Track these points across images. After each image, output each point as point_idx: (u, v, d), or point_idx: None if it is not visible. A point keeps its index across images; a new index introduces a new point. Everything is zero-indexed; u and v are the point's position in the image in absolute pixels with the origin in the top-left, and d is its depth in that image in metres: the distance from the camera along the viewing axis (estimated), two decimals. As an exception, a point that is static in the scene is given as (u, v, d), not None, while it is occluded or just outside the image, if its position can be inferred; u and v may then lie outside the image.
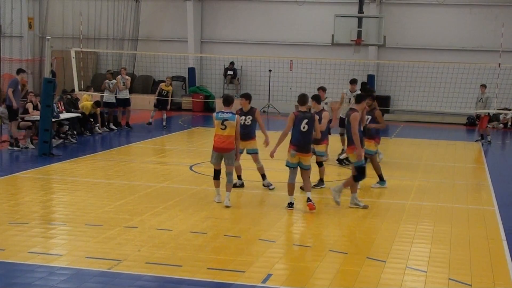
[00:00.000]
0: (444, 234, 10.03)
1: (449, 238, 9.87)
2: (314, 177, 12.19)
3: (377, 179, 13.25)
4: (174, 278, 7.57)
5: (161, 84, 22.71)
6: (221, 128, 10.95)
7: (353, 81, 16.92)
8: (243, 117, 12.28)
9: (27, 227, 9.57)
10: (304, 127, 10.70)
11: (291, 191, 11.01)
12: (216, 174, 11.23)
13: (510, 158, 20.21)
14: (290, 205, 10.96)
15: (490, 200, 12.54)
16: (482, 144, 20.78)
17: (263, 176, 12.71)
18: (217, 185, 11.27)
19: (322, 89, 15.34)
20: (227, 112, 11.02)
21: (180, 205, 11.06)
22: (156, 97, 22.28)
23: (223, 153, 11.03)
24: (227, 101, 11.18)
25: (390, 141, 21.66)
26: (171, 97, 22.91)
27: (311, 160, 11.29)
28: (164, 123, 22.43)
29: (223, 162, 11.14)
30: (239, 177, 12.66)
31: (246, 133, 12.26)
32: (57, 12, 31.37)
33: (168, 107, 22.52)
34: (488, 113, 21.51)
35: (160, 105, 22.30)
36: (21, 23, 31.68)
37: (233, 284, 7.44)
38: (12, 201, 11.14)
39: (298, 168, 10.99)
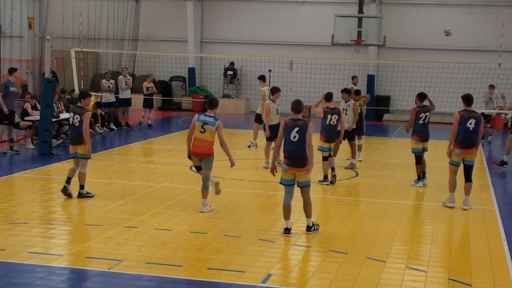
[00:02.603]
0: (444, 234, 10.04)
1: (449, 238, 9.88)
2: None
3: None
4: (174, 278, 7.57)
5: (144, 83, 22.96)
6: (200, 131, 10.52)
7: (345, 90, 15.76)
8: (71, 114, 11.63)
9: (27, 227, 9.57)
10: (294, 136, 9.36)
11: (286, 215, 9.53)
12: (198, 169, 10.93)
13: (510, 158, 20.21)
14: (287, 231, 9.49)
15: (490, 200, 12.55)
16: (482, 145, 20.77)
17: (82, 187, 11.55)
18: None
19: (276, 89, 15.29)
20: (209, 116, 10.59)
21: (180, 205, 11.07)
22: (145, 96, 22.62)
23: (200, 158, 10.69)
24: (212, 104, 10.69)
25: (390, 141, 21.68)
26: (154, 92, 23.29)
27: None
28: (149, 122, 22.72)
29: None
30: (69, 180, 11.52)
31: (76, 135, 11.51)
32: (57, 12, 31.35)
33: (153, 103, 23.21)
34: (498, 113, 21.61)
35: (147, 104, 22.61)
36: (21, 23, 31.66)
37: (233, 284, 7.44)
38: (12, 201, 11.15)
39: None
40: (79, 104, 11.75)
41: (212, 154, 10.65)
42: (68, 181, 11.45)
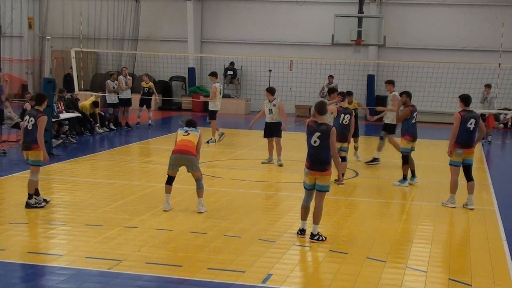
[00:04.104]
0: (444, 234, 10.04)
1: (449, 238, 9.87)
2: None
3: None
4: (174, 278, 7.57)
5: (142, 83, 22.97)
6: (184, 135, 10.67)
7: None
8: (27, 117, 10.73)
9: (27, 227, 9.57)
10: (315, 141, 9.11)
11: (303, 215, 9.40)
12: (169, 180, 10.73)
13: (510, 158, 20.22)
14: (302, 232, 9.42)
15: (490, 200, 12.55)
16: (483, 144, 20.76)
17: (37, 191, 10.79)
18: (168, 191, 10.72)
19: (270, 91, 15.65)
20: (191, 128, 10.87)
21: (180, 205, 11.07)
22: (141, 96, 22.69)
23: (183, 156, 10.48)
24: (190, 124, 10.94)
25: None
26: (153, 93, 23.08)
27: None
28: (150, 122, 22.77)
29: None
30: (36, 193, 10.78)
31: (27, 140, 10.64)
32: (57, 12, 31.36)
33: (152, 105, 23.25)
34: (491, 113, 21.63)
35: (144, 103, 22.68)
36: (21, 23, 31.67)
37: (233, 284, 7.44)
38: (12, 201, 11.14)
39: None
40: (36, 107, 10.84)
41: (194, 155, 10.60)
42: (36, 192, 10.79)
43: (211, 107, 18.92)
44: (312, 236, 9.25)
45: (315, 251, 8.91)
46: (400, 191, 13.12)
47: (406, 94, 13.61)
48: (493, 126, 21.97)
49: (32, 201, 10.65)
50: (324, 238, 9.27)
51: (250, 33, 30.19)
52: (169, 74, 29.73)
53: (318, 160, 9.12)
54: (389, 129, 15.92)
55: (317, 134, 9.11)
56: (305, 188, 9.38)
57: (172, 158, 10.64)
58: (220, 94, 19.17)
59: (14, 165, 14.63)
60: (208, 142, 18.45)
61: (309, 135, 9.19)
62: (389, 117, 15.81)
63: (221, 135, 18.95)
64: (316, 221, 9.24)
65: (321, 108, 9.21)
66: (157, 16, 30.84)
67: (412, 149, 13.60)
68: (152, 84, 23.32)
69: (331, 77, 24.58)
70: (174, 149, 10.68)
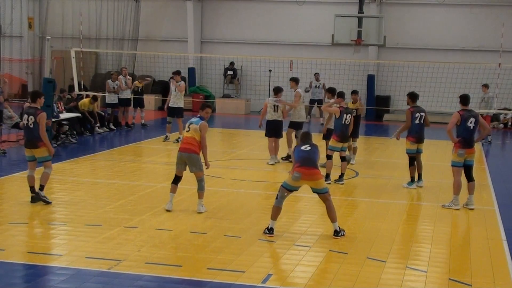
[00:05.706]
0: (444, 234, 10.03)
1: (449, 238, 9.87)
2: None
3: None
4: (174, 278, 7.57)
5: (134, 82, 23.05)
6: (186, 131, 10.68)
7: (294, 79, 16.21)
8: (25, 116, 10.90)
9: (27, 227, 9.57)
10: (306, 147, 9.56)
11: (274, 215, 9.45)
12: (175, 179, 10.72)
13: (510, 158, 20.21)
14: (269, 231, 9.40)
15: (490, 200, 12.54)
16: (482, 144, 20.76)
17: (33, 189, 10.99)
18: (173, 190, 10.68)
19: (274, 90, 15.82)
20: (196, 117, 10.77)
21: (180, 205, 11.06)
22: (135, 96, 22.79)
23: (186, 154, 10.46)
24: (204, 106, 10.95)
25: (390, 141, 21.65)
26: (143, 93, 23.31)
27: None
28: (142, 121, 22.79)
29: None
30: (33, 190, 10.96)
31: (30, 138, 10.86)
32: (57, 12, 31.34)
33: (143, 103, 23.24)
34: (489, 113, 21.60)
35: (136, 103, 22.73)
36: (21, 23, 31.65)
37: (233, 284, 7.44)
38: (12, 201, 11.14)
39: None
40: (32, 105, 11.00)
41: (197, 154, 10.55)
42: (33, 190, 10.96)
43: (178, 104, 18.84)
44: (336, 233, 9.41)
45: (315, 251, 8.90)
46: (400, 191, 13.11)
47: (408, 96, 13.41)
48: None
49: (42, 193, 10.86)
50: (344, 233, 9.47)
51: (250, 33, 30.20)
52: (169, 74, 29.60)
53: (311, 162, 9.36)
54: (295, 126, 15.74)
55: (308, 144, 9.57)
56: (286, 189, 9.40)
57: (177, 156, 10.70)
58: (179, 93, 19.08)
59: (14, 165, 14.63)
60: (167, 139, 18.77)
61: (301, 145, 9.62)
62: (295, 115, 15.76)
63: (166, 137, 19.05)
64: (333, 219, 9.43)
65: (307, 137, 9.78)
66: (157, 16, 30.83)
67: (419, 150, 13.31)
68: (143, 84, 23.39)
69: (317, 74, 24.92)
70: (180, 146, 10.77)
